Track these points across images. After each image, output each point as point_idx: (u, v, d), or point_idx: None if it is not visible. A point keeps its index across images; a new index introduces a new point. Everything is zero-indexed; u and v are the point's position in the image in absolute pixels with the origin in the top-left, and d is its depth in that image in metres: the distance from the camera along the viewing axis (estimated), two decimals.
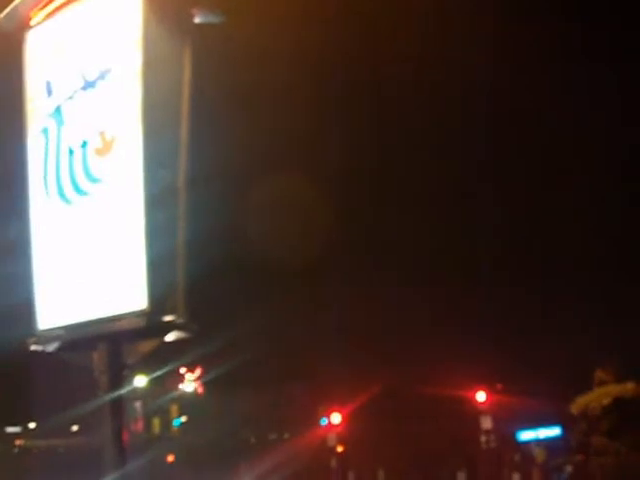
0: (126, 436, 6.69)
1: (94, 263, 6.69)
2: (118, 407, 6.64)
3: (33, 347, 7.07)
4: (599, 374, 6.45)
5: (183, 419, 58.00)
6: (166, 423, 53.92)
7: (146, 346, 6.72)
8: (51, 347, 7.10)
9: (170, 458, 55.81)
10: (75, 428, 61.60)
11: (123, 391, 6.69)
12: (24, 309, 7.14)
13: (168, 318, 6.29)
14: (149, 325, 6.23)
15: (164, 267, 6.30)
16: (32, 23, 7.59)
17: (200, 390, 54.55)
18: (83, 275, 6.78)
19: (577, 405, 6.48)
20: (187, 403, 57.43)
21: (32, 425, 62.33)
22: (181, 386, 52.83)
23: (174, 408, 54.79)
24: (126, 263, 6.43)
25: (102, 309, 6.57)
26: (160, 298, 6.23)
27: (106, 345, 6.66)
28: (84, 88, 7.10)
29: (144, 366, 7.20)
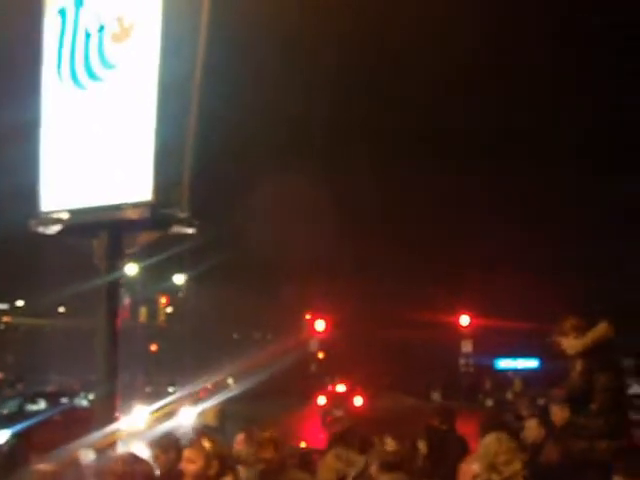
0: (119, 321, 6.80)
1: (102, 150, 6.69)
2: (114, 292, 6.73)
3: (35, 228, 7.09)
4: (572, 320, 6.61)
5: (170, 310, 58.66)
6: (153, 313, 54.52)
7: (146, 237, 6.76)
8: (52, 230, 7.11)
9: (153, 347, 56.67)
10: (62, 310, 62.31)
11: (119, 277, 6.77)
12: (29, 190, 7.15)
13: (171, 211, 6.32)
14: (152, 217, 6.27)
15: (171, 159, 6.30)
16: None
17: (189, 283, 55.04)
18: (90, 161, 6.79)
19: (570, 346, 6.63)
20: (176, 296, 58.02)
21: (20, 303, 62.95)
22: (172, 278, 53.26)
23: (162, 299, 55.34)
24: (134, 152, 6.43)
25: (107, 197, 6.60)
26: (165, 190, 6.26)
27: (108, 233, 6.71)
28: None
29: (137, 254, 7.24)
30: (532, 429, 8.15)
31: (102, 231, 6.78)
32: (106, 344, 6.65)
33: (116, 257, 6.67)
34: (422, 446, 8.53)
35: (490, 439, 5.35)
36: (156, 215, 6.26)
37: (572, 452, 6.77)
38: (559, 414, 7.64)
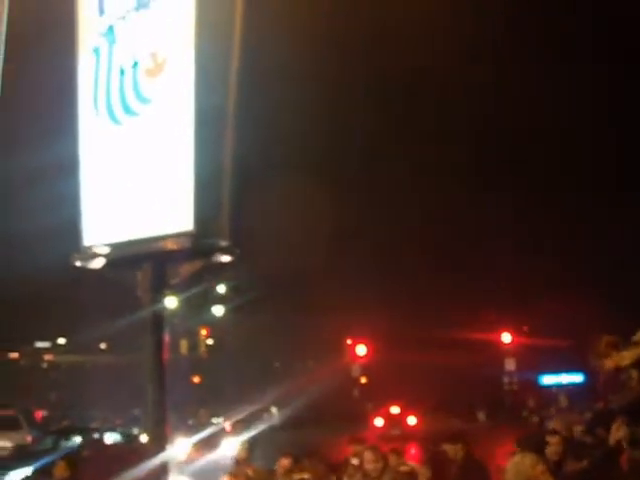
0: (166, 354, 6.84)
1: (141, 183, 6.77)
2: (159, 324, 6.77)
3: (77, 263, 7.17)
4: (607, 339, 6.57)
5: (210, 342, 58.72)
6: (194, 345, 54.58)
7: (189, 268, 6.80)
8: (95, 264, 7.19)
9: (195, 379, 56.73)
10: (103, 346, 62.67)
11: (163, 309, 6.81)
12: (70, 226, 7.24)
13: (213, 240, 6.37)
14: (194, 247, 6.31)
15: (210, 189, 6.36)
16: None
17: (229, 314, 55.10)
18: (130, 194, 6.87)
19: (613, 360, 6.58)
20: (216, 327, 58.09)
21: (62, 341, 63.41)
22: (211, 309, 53.39)
23: (202, 331, 55.43)
24: (173, 184, 6.50)
25: (148, 229, 6.66)
26: (206, 220, 6.30)
27: (150, 265, 6.76)
28: (137, 8, 7.11)
29: (180, 285, 7.27)
30: (554, 445, 8.16)
31: (145, 263, 6.83)
32: (153, 377, 6.68)
33: (160, 289, 6.72)
34: (424, 472, 8.47)
35: (517, 459, 5.34)
36: (197, 245, 6.31)
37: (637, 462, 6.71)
38: (620, 429, 7.56)
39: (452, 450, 8.90)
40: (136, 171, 6.82)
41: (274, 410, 48.83)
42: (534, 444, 7.17)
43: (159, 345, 6.78)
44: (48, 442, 29.14)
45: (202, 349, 55.99)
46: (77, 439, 30.58)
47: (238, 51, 6.67)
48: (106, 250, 6.95)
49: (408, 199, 57.11)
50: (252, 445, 9.45)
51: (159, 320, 6.76)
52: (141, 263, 6.87)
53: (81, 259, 7.20)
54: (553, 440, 8.05)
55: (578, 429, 9.83)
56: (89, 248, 7.09)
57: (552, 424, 10.36)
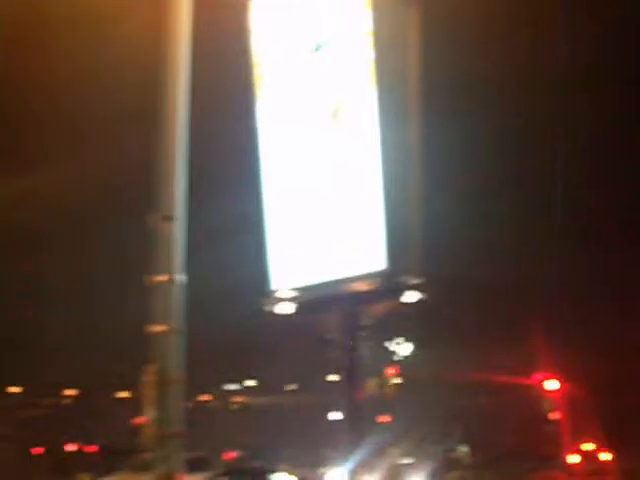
0: (361, 395, 6.76)
1: (327, 226, 6.77)
2: (354, 365, 6.71)
3: (268, 309, 7.22)
4: None
5: (398, 380, 58.26)
6: (381, 384, 54.27)
7: (380, 308, 6.72)
8: (285, 309, 7.22)
9: (385, 418, 56.45)
10: (292, 387, 63.61)
11: (357, 350, 6.75)
12: (259, 273, 7.31)
13: (405, 278, 6.25)
14: (387, 286, 6.21)
15: (400, 226, 6.27)
16: None
17: (416, 351, 54.56)
18: (316, 238, 6.88)
19: None
20: (403, 364, 57.59)
21: (251, 383, 64.83)
22: (397, 348, 53.05)
23: (390, 369, 55.09)
24: (361, 224, 6.45)
25: (336, 271, 6.63)
26: (398, 258, 6.20)
27: (342, 307, 6.71)
28: (311, 54, 7.17)
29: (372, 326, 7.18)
30: None
31: (335, 306, 6.79)
32: (350, 417, 6.62)
33: (354, 331, 6.67)
34: None
35: None
36: (389, 284, 6.21)
37: None
38: None
39: None
40: (322, 214, 6.83)
41: (464, 449, 47.87)
42: None
43: (354, 386, 6.72)
44: None
45: (390, 387, 55.78)
46: None
47: (417, 87, 6.62)
48: (295, 294, 6.98)
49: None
50: None
51: (353, 362, 6.70)
52: (331, 306, 6.83)
53: (270, 304, 7.25)
54: None
55: None
56: (278, 293, 7.14)
57: None
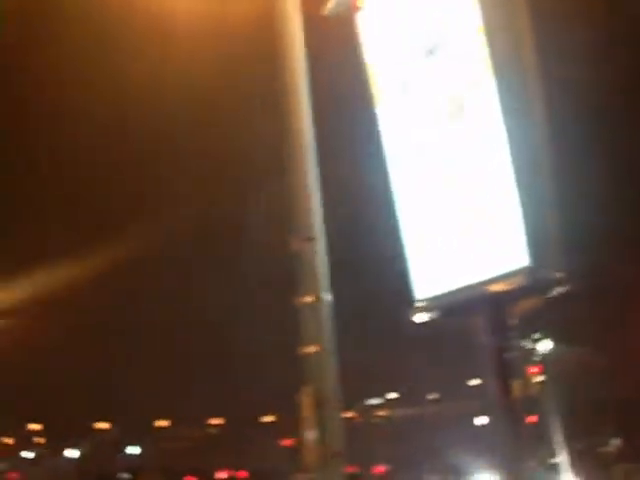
0: (512, 396, 6.62)
1: (464, 228, 6.68)
2: (506, 368, 6.57)
3: (414, 317, 7.18)
4: None
5: (541, 378, 56.85)
6: (526, 384, 53.03)
7: (523, 305, 6.57)
8: (428, 316, 7.17)
9: (532, 419, 55.28)
10: (434, 396, 63.07)
11: (509, 351, 6.61)
12: (401, 283, 7.29)
13: (549, 273, 6.09)
14: (532, 282, 6.07)
15: (538, 220, 6.12)
16: (360, 4, 7.83)
17: (558, 347, 53.10)
18: (454, 242, 6.80)
19: None
20: (546, 361, 56.08)
21: (393, 395, 64.67)
22: (537, 345, 51.74)
23: (533, 368, 53.81)
24: (498, 222, 6.33)
25: (478, 272, 6.53)
26: (540, 252, 6.05)
27: (487, 309, 6.60)
28: (425, 57, 7.12)
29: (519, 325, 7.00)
30: None
31: (479, 309, 6.69)
32: (503, 420, 6.49)
33: (502, 331, 6.53)
34: None
35: None
36: (534, 280, 6.06)
37: None
38: None
39: None
40: (458, 217, 6.75)
41: (615, 442, 46.41)
42: None
43: (507, 390, 6.59)
44: None
45: (534, 387, 54.47)
46: None
47: (534, 77, 6.48)
48: (439, 300, 6.91)
49: None
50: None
51: (505, 365, 6.56)
52: (476, 309, 6.73)
53: (415, 313, 7.21)
54: None
55: None
56: (423, 301, 7.09)
57: None
